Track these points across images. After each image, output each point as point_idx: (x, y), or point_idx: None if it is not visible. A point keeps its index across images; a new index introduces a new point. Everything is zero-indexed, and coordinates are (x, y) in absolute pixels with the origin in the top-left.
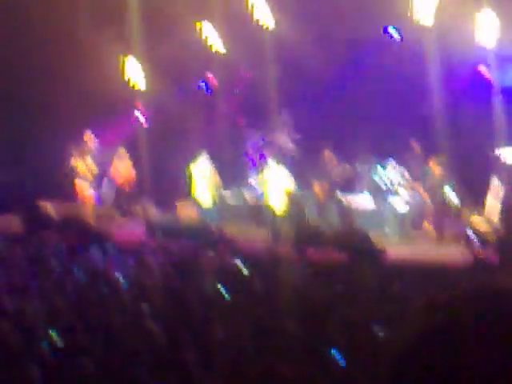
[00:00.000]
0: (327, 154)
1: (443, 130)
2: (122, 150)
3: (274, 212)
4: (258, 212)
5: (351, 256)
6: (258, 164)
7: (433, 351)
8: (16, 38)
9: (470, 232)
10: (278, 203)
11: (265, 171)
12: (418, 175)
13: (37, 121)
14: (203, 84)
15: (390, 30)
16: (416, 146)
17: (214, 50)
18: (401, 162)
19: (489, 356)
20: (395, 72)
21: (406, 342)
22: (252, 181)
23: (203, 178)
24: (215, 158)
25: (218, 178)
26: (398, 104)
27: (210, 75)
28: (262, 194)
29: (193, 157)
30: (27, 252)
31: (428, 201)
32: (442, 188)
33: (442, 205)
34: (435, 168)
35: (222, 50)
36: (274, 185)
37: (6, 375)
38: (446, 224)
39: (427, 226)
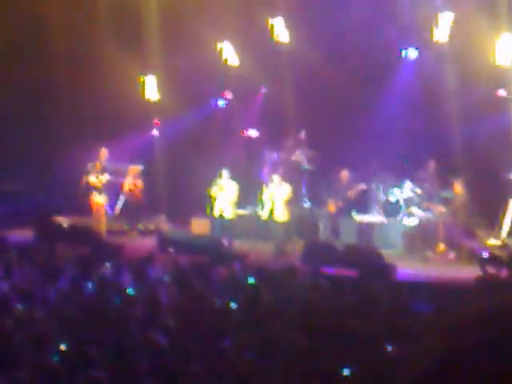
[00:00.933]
0: (344, 172)
1: (460, 151)
2: (136, 166)
3: (286, 228)
4: (270, 228)
5: (362, 272)
6: (272, 180)
7: (454, 372)
8: (39, 56)
9: (485, 253)
10: (291, 219)
11: (278, 187)
12: (433, 194)
13: (53, 135)
14: (220, 100)
15: (408, 50)
16: (432, 166)
17: (231, 67)
18: (416, 181)
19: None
20: (413, 92)
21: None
22: (267, 197)
23: (220, 194)
24: (231, 175)
25: (234, 194)
26: (415, 124)
27: (227, 91)
28: (274, 211)
29: (209, 173)
30: (39, 263)
31: (444, 220)
32: (463, 209)
33: (462, 225)
34: (458, 189)
35: (239, 66)
36: (276, 199)
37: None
38: (462, 244)
39: (441, 244)
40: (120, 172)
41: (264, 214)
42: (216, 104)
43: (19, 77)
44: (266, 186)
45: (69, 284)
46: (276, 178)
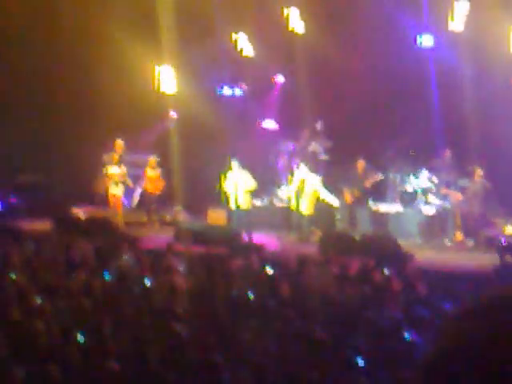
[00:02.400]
0: (360, 162)
1: (477, 140)
2: (153, 156)
3: (303, 217)
4: (288, 217)
5: (379, 261)
6: (288, 170)
7: (468, 358)
8: (51, 47)
9: (503, 240)
10: (308, 209)
11: (295, 177)
12: (450, 183)
13: (70, 126)
14: (236, 90)
15: (423, 37)
16: (448, 155)
17: (246, 57)
18: (433, 170)
19: None
20: (429, 80)
21: (439, 349)
22: (282, 187)
23: (235, 184)
24: (247, 165)
25: (250, 184)
26: (431, 113)
27: (242, 82)
28: (291, 200)
29: (225, 163)
30: (58, 255)
31: (461, 208)
32: (481, 197)
33: (480, 214)
34: (477, 177)
35: (254, 57)
36: (304, 190)
37: (34, 374)
38: (480, 232)
39: (458, 233)
40: (136, 163)
41: (292, 205)
42: (232, 94)
43: (34, 69)
44: (292, 174)
45: (87, 275)
46: (303, 167)
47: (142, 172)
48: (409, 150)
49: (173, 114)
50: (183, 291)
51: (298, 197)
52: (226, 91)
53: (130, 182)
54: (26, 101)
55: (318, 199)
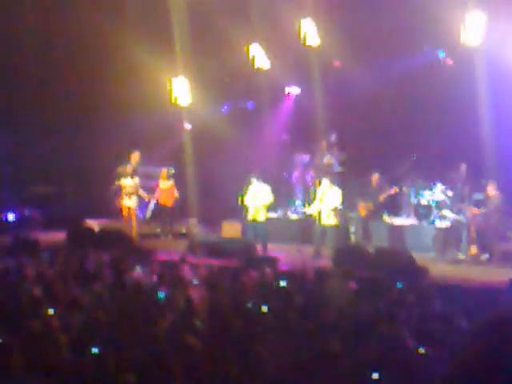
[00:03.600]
0: (375, 176)
1: (492, 153)
2: (165, 168)
3: (318, 230)
4: (302, 230)
5: (393, 275)
6: (302, 183)
7: (487, 373)
8: (66, 61)
9: None
10: (323, 222)
11: (310, 190)
12: (464, 197)
13: (84, 137)
14: (251, 103)
15: (440, 50)
16: (463, 168)
17: (260, 69)
18: (447, 183)
19: None
20: (445, 95)
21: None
22: (297, 200)
23: (254, 197)
24: (263, 178)
25: (268, 199)
26: (446, 127)
27: (256, 94)
28: (307, 213)
29: (241, 176)
30: (73, 267)
31: (476, 222)
32: (496, 211)
33: (495, 228)
34: (492, 191)
35: (269, 69)
36: (320, 204)
37: None
38: (495, 246)
39: (473, 247)
40: (150, 175)
41: (309, 217)
42: (246, 106)
43: (49, 82)
44: (302, 189)
45: (102, 288)
46: (326, 181)
47: (155, 184)
48: (423, 163)
49: (187, 126)
50: (197, 303)
51: (321, 211)
52: (241, 103)
53: (144, 194)
54: (39, 113)
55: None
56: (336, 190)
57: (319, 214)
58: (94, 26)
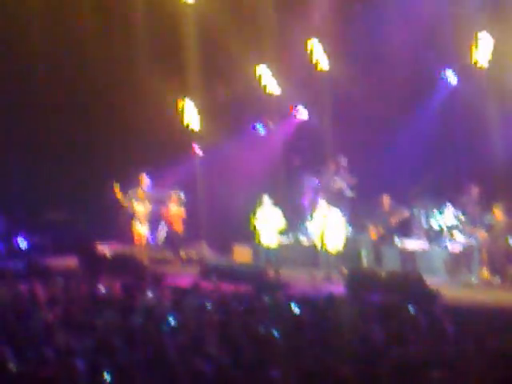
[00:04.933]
0: (385, 198)
1: (502, 176)
2: (177, 193)
3: (329, 254)
4: (314, 255)
5: (405, 299)
6: (313, 207)
7: None
8: (78, 81)
9: None
10: (333, 246)
11: (320, 214)
12: (475, 219)
13: (93, 162)
14: (259, 126)
15: (448, 72)
16: (474, 191)
17: (269, 92)
18: (458, 206)
19: None
20: (453, 117)
21: None
22: (308, 224)
23: (265, 221)
24: (273, 201)
25: (280, 223)
26: (456, 149)
27: (266, 117)
28: (317, 237)
29: (249, 199)
30: (83, 291)
31: (486, 246)
32: (506, 235)
33: (505, 251)
34: (498, 214)
35: (278, 92)
36: (330, 227)
37: None
38: (506, 269)
39: (484, 270)
40: (161, 199)
41: (316, 242)
42: (255, 129)
43: (59, 106)
44: (314, 212)
45: (114, 313)
46: (323, 203)
47: (165, 208)
48: (434, 187)
49: (198, 151)
50: (209, 329)
51: (323, 235)
52: (250, 126)
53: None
54: (50, 137)
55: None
56: (336, 211)
57: (322, 238)
58: (103, 51)
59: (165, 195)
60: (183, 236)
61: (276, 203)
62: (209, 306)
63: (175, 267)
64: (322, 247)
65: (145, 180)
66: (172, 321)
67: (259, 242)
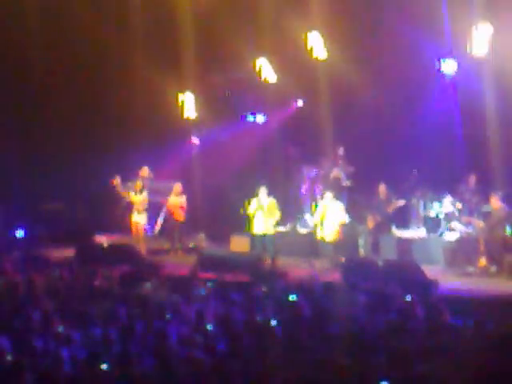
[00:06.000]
0: (381, 187)
1: (500, 165)
2: (176, 184)
3: (326, 243)
4: (311, 244)
5: (402, 288)
6: (311, 196)
7: None
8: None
9: None
10: (331, 235)
11: (318, 203)
12: (473, 209)
13: (93, 153)
14: (258, 116)
15: (446, 62)
16: (472, 180)
17: (267, 83)
18: (457, 195)
19: None
20: (452, 106)
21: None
22: (306, 213)
23: (261, 210)
24: (269, 191)
25: (275, 211)
26: (454, 138)
27: (264, 108)
28: (315, 226)
29: (247, 189)
30: (80, 282)
31: (484, 235)
32: (503, 223)
33: (502, 240)
34: (495, 203)
35: (276, 83)
36: (328, 217)
37: None
38: (503, 258)
39: (482, 259)
40: (159, 190)
41: (317, 233)
42: (254, 120)
43: (59, 97)
44: (317, 203)
45: (111, 304)
46: (328, 195)
47: (165, 199)
48: (432, 175)
49: (195, 141)
50: (206, 318)
51: (322, 224)
52: (249, 117)
53: (152, 208)
54: (49, 129)
55: (341, 226)
56: (339, 204)
57: (320, 228)
58: (101, 43)
59: (163, 186)
60: (181, 226)
61: (273, 193)
62: (206, 295)
63: (172, 257)
64: (319, 236)
65: (145, 171)
66: (170, 310)
67: (254, 229)
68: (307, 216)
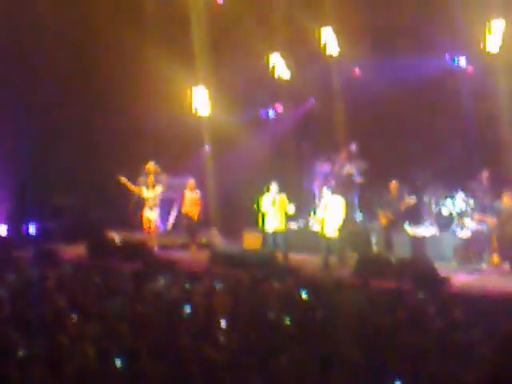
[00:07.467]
0: (393, 184)
1: None
2: (189, 180)
3: (338, 240)
4: (324, 240)
5: (415, 285)
6: (323, 193)
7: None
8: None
9: None
10: (343, 232)
11: (330, 200)
12: (485, 206)
13: (105, 149)
14: (270, 112)
15: (459, 57)
16: (484, 177)
17: (281, 79)
18: (468, 192)
19: None
20: (465, 102)
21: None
22: (318, 210)
23: (272, 208)
24: (281, 187)
25: (286, 207)
26: (466, 135)
27: (277, 104)
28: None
29: (261, 186)
30: (92, 278)
31: (496, 232)
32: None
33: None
34: (507, 201)
35: (290, 79)
36: (328, 213)
37: None
38: None
39: (494, 256)
40: (172, 186)
41: (318, 229)
42: (266, 116)
43: (72, 90)
44: (319, 200)
45: (124, 300)
46: (326, 190)
47: (180, 195)
48: (444, 172)
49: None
50: (220, 315)
51: (323, 221)
52: (261, 112)
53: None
54: (62, 124)
55: (343, 222)
56: (339, 200)
57: (322, 225)
58: (114, 38)
59: (176, 182)
60: (195, 223)
61: (286, 189)
62: (219, 291)
63: (185, 253)
64: (322, 234)
65: (151, 167)
66: (182, 307)
67: (265, 225)
68: (318, 211)
